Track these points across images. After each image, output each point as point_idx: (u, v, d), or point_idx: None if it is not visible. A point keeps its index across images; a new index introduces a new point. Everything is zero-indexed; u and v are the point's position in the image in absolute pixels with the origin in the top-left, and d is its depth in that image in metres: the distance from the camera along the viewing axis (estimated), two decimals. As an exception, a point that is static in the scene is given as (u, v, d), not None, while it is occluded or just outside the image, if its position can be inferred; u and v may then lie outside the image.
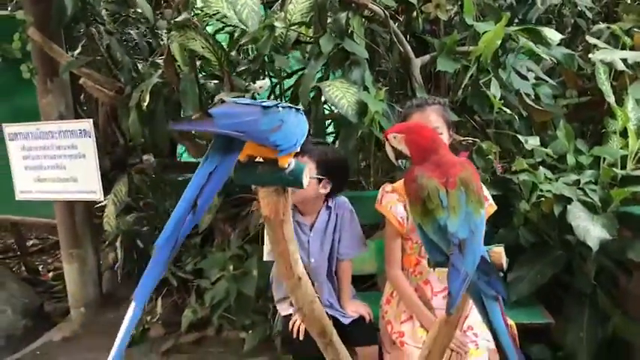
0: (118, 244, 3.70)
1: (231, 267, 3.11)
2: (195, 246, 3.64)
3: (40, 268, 4.92)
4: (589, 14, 3.74)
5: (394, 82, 3.29)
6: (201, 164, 1.32)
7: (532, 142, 2.66)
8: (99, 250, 3.94)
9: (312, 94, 3.04)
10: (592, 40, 3.19)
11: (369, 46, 3.19)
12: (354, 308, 2.29)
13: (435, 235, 1.37)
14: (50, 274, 4.75)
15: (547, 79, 3.13)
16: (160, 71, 3.12)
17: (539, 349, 2.59)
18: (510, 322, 2.25)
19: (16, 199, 3.70)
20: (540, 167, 2.60)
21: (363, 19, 3.16)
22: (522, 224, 2.61)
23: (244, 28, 2.79)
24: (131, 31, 4.15)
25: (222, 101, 1.39)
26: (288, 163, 1.41)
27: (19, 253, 4.99)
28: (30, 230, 5.57)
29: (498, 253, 1.46)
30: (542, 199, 2.55)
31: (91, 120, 3.39)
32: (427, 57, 3.07)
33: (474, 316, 2.18)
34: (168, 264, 1.27)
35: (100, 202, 3.70)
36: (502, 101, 2.89)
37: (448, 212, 1.36)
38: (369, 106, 2.57)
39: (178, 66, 3.15)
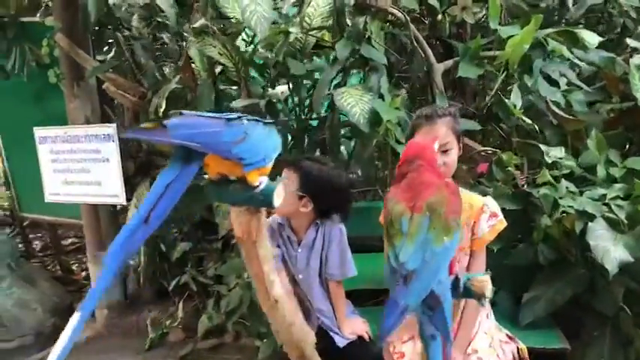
0: (141, 247, 3.74)
1: (245, 274, 3.07)
2: (217, 251, 3.63)
3: (75, 267, 5.03)
4: (634, 15, 3.52)
5: (416, 89, 3.18)
6: (160, 175, 1.29)
7: (555, 153, 2.51)
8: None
9: (328, 101, 2.99)
10: (632, 43, 3.00)
11: (394, 51, 3.11)
12: (351, 330, 2.20)
13: (393, 262, 1.28)
14: (83, 274, 4.85)
15: (581, 84, 2.96)
16: (178, 77, 3.11)
17: (554, 375, 2.44)
18: (522, 346, 2.14)
19: (45, 200, 3.79)
20: (563, 180, 2.44)
21: (387, 23, 3.07)
22: (542, 240, 2.46)
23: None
24: (163, 35, 4.18)
25: (181, 113, 1.35)
26: (259, 181, 1.36)
27: (54, 252, 5.13)
28: (70, 230, 5.72)
29: (482, 282, 1.35)
30: (564, 214, 2.41)
31: (115, 125, 3.42)
32: (450, 62, 2.95)
33: (479, 340, 2.06)
34: (116, 275, 1.23)
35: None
36: (524, 109, 2.78)
37: (405, 239, 1.26)
38: (381, 114, 2.48)
39: (199, 71, 3.14)
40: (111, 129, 3.42)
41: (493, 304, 2.62)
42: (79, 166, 3.59)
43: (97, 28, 3.69)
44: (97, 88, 3.64)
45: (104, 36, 3.78)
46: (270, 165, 1.39)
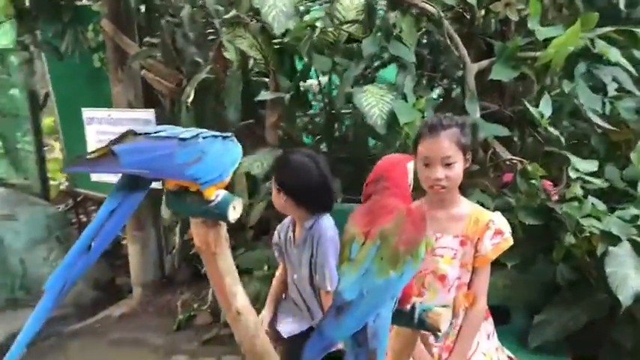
0: (177, 230, 3.83)
1: (265, 267, 3.08)
2: (247, 240, 3.64)
3: (124, 242, 5.22)
4: None
5: (451, 88, 3.04)
6: (105, 201, 1.27)
7: (583, 165, 2.32)
8: (161, 234, 4.10)
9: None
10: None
11: (428, 49, 2.99)
12: None
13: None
14: (130, 249, 5.03)
15: (635, 90, 2.72)
16: (209, 67, 3.12)
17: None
18: (524, 371, 2.02)
19: (91, 179, 3.94)
20: (589, 197, 2.26)
21: (425, 19, 2.94)
22: (562, 260, 2.30)
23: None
24: (215, 21, 4.20)
25: (135, 133, 1.32)
26: (216, 194, 1.34)
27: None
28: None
29: (437, 315, 1.26)
30: (591, 233, 2.24)
31: (153, 110, 3.50)
32: (486, 62, 2.79)
33: (475, 363, 1.97)
34: (56, 306, 1.20)
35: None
36: (570, 114, 2.60)
37: (351, 267, 1.19)
38: (398, 117, 2.39)
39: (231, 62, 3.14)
40: (150, 114, 3.51)
41: (505, 322, 2.51)
42: (121, 148, 3.69)
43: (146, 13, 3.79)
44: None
45: (152, 22, 3.85)
46: (227, 178, 1.36)
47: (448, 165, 1.89)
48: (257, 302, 3.15)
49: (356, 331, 1.14)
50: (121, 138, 1.29)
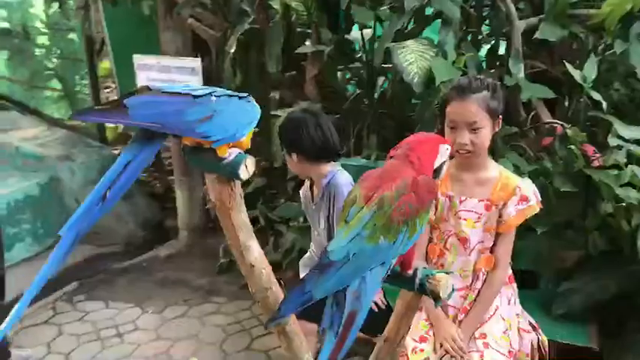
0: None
1: (301, 218, 3.14)
2: (288, 191, 3.70)
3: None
4: None
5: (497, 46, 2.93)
6: (121, 153, 1.32)
7: (627, 132, 2.22)
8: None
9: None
10: None
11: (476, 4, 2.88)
12: None
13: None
14: (180, 193, 5.20)
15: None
16: (252, 18, 3.12)
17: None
18: (543, 337, 2.02)
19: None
20: (630, 165, 2.17)
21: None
22: (596, 228, 2.24)
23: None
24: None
25: (148, 89, 1.34)
26: (229, 153, 1.36)
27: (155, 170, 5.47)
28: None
29: (438, 281, 1.27)
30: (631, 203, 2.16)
31: (199, 59, 3.53)
32: (535, 19, 2.67)
33: (492, 325, 1.97)
34: (69, 253, 1.25)
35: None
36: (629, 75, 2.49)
37: (345, 229, 1.21)
38: (435, 74, 2.34)
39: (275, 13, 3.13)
40: (196, 63, 3.54)
41: (534, 287, 2.49)
42: (169, 96, 3.77)
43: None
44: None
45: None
46: (244, 138, 1.38)
47: (475, 130, 1.85)
48: (292, 252, 3.26)
49: (336, 291, 1.17)
50: (136, 91, 1.32)
